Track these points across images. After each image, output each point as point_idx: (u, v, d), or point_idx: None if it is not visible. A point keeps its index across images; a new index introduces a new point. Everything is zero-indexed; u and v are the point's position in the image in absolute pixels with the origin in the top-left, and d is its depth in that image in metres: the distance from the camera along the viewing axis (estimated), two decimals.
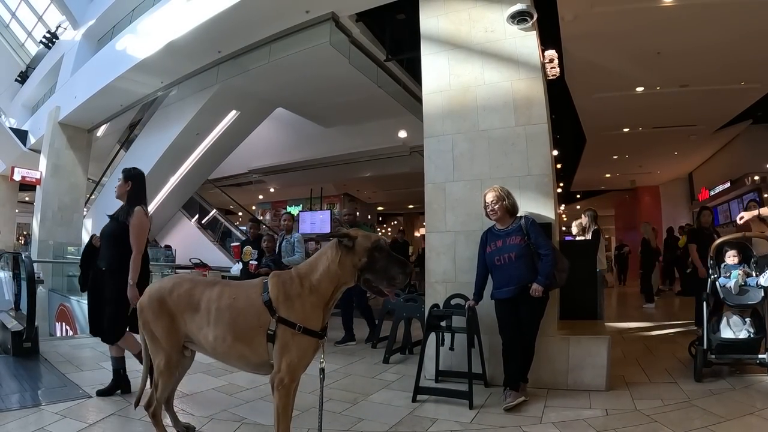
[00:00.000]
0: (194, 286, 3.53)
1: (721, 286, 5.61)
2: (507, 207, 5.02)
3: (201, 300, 3.42)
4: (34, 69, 24.01)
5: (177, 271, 12.08)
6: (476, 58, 6.08)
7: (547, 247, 4.88)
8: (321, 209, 23.68)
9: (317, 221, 19.69)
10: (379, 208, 31.08)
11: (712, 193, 19.06)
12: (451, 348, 5.32)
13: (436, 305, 5.45)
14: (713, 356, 5.34)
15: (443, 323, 5.29)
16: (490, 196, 5.07)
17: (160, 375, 3.53)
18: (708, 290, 5.69)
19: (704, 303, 5.60)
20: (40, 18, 22.91)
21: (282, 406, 3.22)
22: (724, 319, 5.56)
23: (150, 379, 3.70)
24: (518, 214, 5.12)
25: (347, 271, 3.24)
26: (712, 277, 5.72)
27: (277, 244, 8.45)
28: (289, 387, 3.22)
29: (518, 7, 5.71)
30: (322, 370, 3.35)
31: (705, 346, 5.36)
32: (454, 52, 6.24)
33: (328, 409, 4.62)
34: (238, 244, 8.24)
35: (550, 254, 4.85)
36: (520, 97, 5.79)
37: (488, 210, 5.09)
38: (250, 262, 7.95)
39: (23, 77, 25.06)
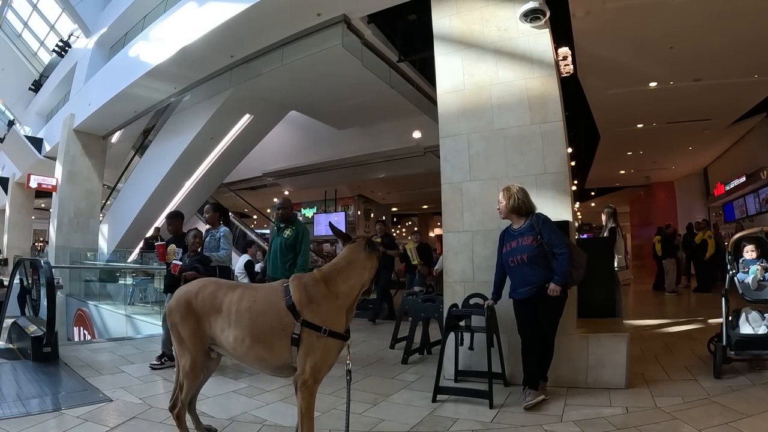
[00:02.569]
0: (218, 288, 3.60)
1: (739, 282, 5.57)
2: (509, 206, 4.98)
3: (223, 302, 3.48)
4: (47, 77, 24.20)
5: None
6: (490, 57, 6.08)
7: (562, 245, 4.82)
8: (335, 211, 23.75)
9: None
10: (394, 209, 31.10)
11: (727, 187, 18.92)
12: (471, 347, 5.32)
13: (455, 305, 5.44)
14: (732, 352, 5.32)
15: (462, 323, 5.29)
16: (500, 194, 5.07)
17: (185, 376, 3.58)
18: (726, 286, 5.65)
19: (723, 299, 5.56)
20: (52, 27, 23.09)
21: (306, 407, 3.26)
22: (743, 315, 5.51)
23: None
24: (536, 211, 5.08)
25: (371, 274, 3.39)
26: (731, 272, 5.68)
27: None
28: (312, 388, 3.27)
29: (531, 5, 5.69)
30: (349, 372, 3.39)
31: (724, 343, 5.33)
32: (467, 51, 6.24)
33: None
34: (163, 242, 7.20)
35: (566, 252, 4.78)
36: (535, 95, 5.78)
37: (497, 207, 5.11)
38: (173, 262, 6.73)
39: (37, 86, 25.26)
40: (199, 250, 7.02)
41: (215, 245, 7.21)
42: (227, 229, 7.47)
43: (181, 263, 6.61)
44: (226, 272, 7.33)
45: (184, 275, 6.29)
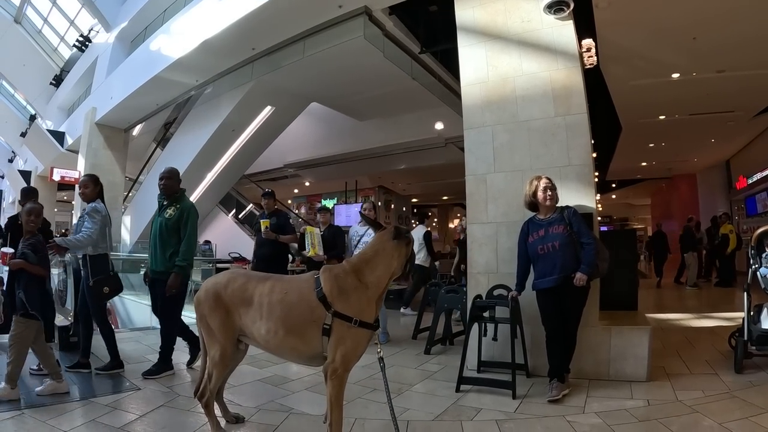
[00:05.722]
0: (248, 280, 3.65)
1: (762, 276, 5.52)
2: (557, 196, 5.02)
3: (254, 294, 3.53)
4: (68, 72, 24.51)
5: (217, 265, 12.26)
6: (513, 49, 6.06)
7: (589, 236, 4.85)
8: (356, 202, 23.78)
9: (353, 214, 19.78)
10: (414, 200, 31.03)
11: (750, 181, 18.74)
12: (495, 338, 5.33)
13: (479, 296, 5.47)
14: (753, 348, 5.28)
15: (486, 314, 5.33)
16: (544, 182, 5.01)
17: (214, 366, 3.64)
18: (749, 280, 5.61)
19: (745, 293, 5.52)
20: (72, 22, 23.35)
21: (335, 395, 3.31)
22: (765, 310, 5.42)
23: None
24: (557, 204, 5.10)
25: (400, 264, 3.44)
26: (753, 267, 5.64)
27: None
28: (342, 376, 3.32)
29: None
30: (381, 359, 3.46)
31: (745, 338, 5.31)
32: (491, 43, 6.21)
33: (373, 399, 4.70)
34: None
35: (593, 243, 4.81)
36: (559, 86, 5.76)
37: (545, 194, 4.98)
38: (2, 251, 5.09)
39: (58, 81, 25.60)
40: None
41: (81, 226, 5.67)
42: (96, 205, 5.74)
43: (11, 251, 5.05)
44: (101, 263, 5.69)
45: (9, 264, 4.96)
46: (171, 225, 5.65)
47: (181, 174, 13.93)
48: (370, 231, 7.00)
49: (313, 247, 7.46)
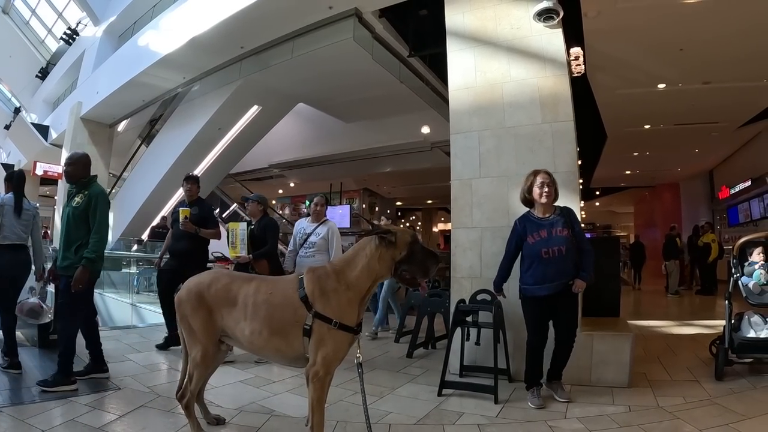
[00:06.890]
0: (232, 281, 3.62)
1: (743, 285, 5.59)
2: (557, 193, 4.81)
3: (238, 295, 3.50)
4: (54, 65, 24.33)
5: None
6: (502, 55, 6.09)
7: (587, 241, 4.81)
8: (341, 204, 23.75)
9: (336, 216, 19.71)
10: (398, 203, 31.04)
11: (732, 191, 18.92)
12: (477, 343, 5.35)
13: (462, 300, 5.48)
14: (734, 355, 5.35)
15: (470, 318, 5.33)
16: (542, 177, 4.77)
17: (195, 367, 3.61)
18: (730, 288, 5.68)
19: (726, 302, 5.58)
20: (60, 15, 23.21)
21: (317, 398, 3.29)
22: (746, 318, 5.54)
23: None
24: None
25: (386, 266, 3.37)
26: (735, 275, 5.71)
27: None
28: (323, 380, 3.30)
29: (544, 4, 5.70)
30: (360, 365, 3.41)
31: (726, 345, 5.37)
32: (480, 48, 6.25)
33: (355, 402, 4.68)
34: None
35: (592, 249, 4.73)
36: (547, 94, 5.79)
37: (542, 190, 4.73)
38: None
39: (44, 73, 25.42)
40: None
41: None
42: None
43: None
44: (20, 254, 5.74)
45: None
46: (79, 214, 5.03)
47: (165, 171, 13.72)
48: (319, 230, 6.55)
49: (233, 247, 6.62)
